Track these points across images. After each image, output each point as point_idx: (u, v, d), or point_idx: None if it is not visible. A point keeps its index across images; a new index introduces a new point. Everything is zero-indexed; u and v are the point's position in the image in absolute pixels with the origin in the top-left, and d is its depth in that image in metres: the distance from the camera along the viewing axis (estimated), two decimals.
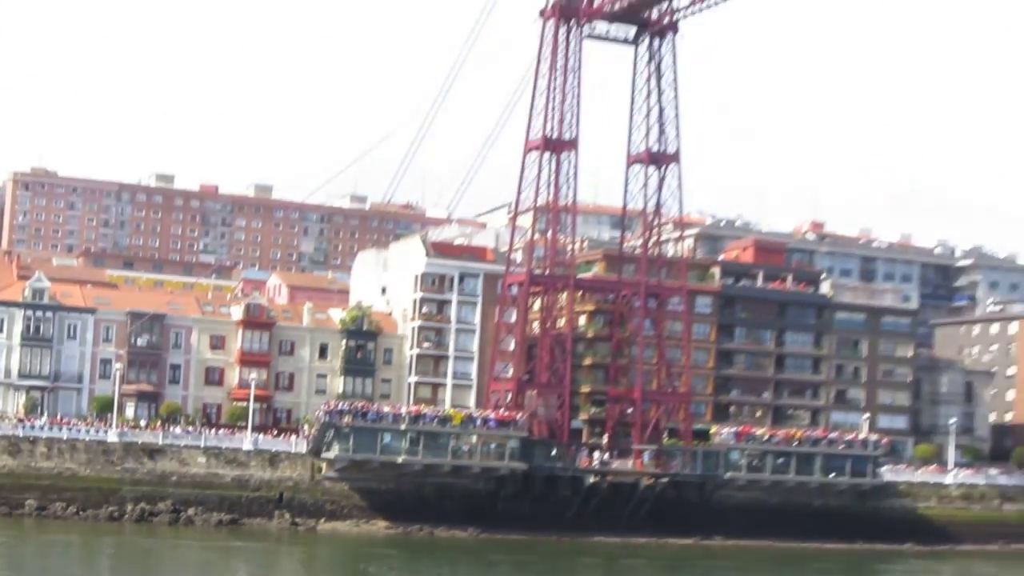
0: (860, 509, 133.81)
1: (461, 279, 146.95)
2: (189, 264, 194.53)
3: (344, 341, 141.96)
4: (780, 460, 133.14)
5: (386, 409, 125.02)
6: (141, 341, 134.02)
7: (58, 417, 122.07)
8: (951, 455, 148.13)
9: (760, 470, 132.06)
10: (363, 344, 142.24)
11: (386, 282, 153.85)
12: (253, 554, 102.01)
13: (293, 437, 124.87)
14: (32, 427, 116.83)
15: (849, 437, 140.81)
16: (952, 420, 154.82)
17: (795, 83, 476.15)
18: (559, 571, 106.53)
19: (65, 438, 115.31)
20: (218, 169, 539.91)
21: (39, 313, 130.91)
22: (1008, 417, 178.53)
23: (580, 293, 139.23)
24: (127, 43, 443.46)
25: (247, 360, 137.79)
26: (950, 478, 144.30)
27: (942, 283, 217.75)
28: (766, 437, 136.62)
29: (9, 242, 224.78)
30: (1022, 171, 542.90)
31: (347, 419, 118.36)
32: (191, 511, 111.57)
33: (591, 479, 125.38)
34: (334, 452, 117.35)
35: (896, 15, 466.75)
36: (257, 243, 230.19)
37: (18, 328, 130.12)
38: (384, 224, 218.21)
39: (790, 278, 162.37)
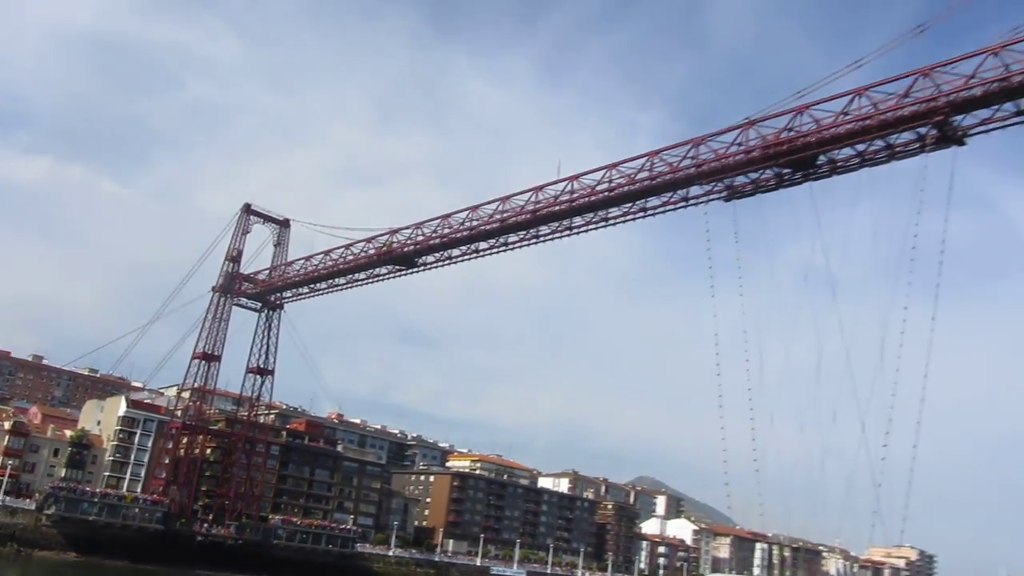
0: (345, 565, 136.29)
1: (144, 422, 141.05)
2: None
3: (70, 448, 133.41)
4: (305, 535, 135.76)
5: (87, 489, 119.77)
6: None
7: None
8: (393, 541, 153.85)
9: (294, 540, 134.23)
10: (81, 451, 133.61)
11: (102, 419, 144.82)
12: None
13: (28, 500, 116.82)
14: None
15: (342, 526, 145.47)
16: (396, 523, 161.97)
17: (337, 325, 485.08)
18: None
19: None
20: (8, 339, 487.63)
21: None
22: (425, 523, 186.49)
23: (209, 437, 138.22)
24: None
25: (8, 452, 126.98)
26: (391, 552, 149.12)
27: (399, 452, 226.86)
28: (299, 522, 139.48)
29: None
30: (444, 394, 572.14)
31: (63, 492, 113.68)
32: None
33: (200, 537, 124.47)
34: (52, 510, 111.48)
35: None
36: (28, 387, 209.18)
37: None
38: (106, 386, 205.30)
39: (322, 440, 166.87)
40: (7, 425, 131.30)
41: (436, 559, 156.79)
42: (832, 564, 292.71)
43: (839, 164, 66.14)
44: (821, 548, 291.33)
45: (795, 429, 60.30)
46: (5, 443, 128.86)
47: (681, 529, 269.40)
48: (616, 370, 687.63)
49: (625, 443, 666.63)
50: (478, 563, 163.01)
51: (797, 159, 66.47)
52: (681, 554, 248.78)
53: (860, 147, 64.27)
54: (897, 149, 62.78)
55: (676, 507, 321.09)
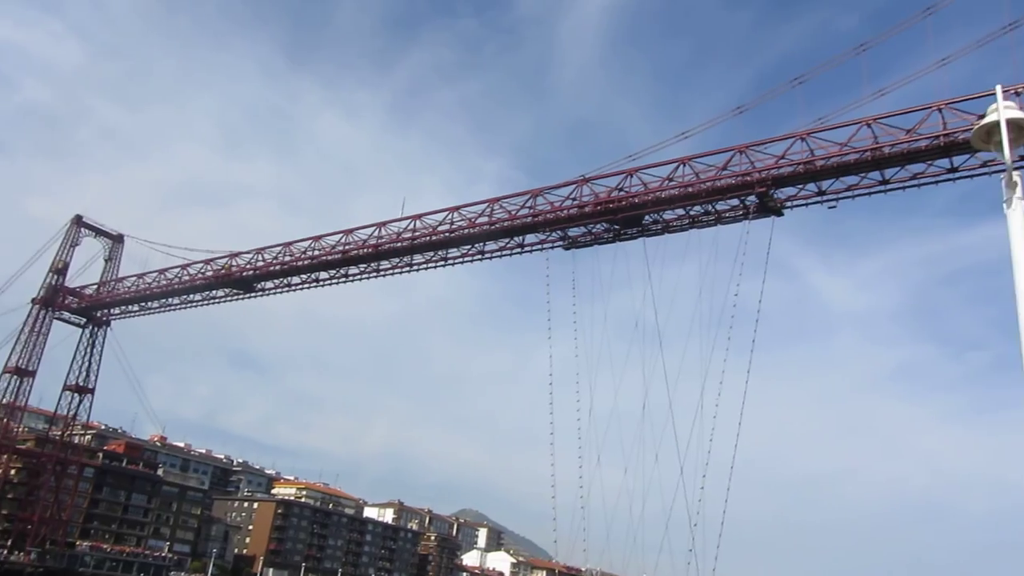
0: None
1: None
2: None
3: None
4: (115, 563, 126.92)
5: None
6: None
7: None
8: (210, 570, 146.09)
9: (102, 567, 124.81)
10: None
11: None
12: None
13: None
14: None
15: (156, 553, 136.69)
16: (215, 550, 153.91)
17: (168, 346, 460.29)
18: None
19: None
20: None
21: None
22: (246, 551, 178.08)
23: (15, 456, 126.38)
24: None
25: None
26: None
27: (223, 477, 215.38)
28: (109, 549, 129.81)
29: None
30: (274, 420, 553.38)
31: None
32: None
33: None
34: None
35: None
36: None
37: None
38: None
39: (142, 464, 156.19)
40: None
41: None
42: None
43: (671, 223, 68.98)
44: None
45: (619, 469, 61.62)
46: None
47: (500, 562, 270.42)
48: (448, 405, 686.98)
49: (452, 476, 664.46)
50: None
51: (626, 217, 68.86)
52: None
53: (690, 209, 67.33)
54: (723, 214, 66.26)
55: (497, 540, 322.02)
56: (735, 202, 65.21)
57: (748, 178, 62.98)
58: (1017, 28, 58.16)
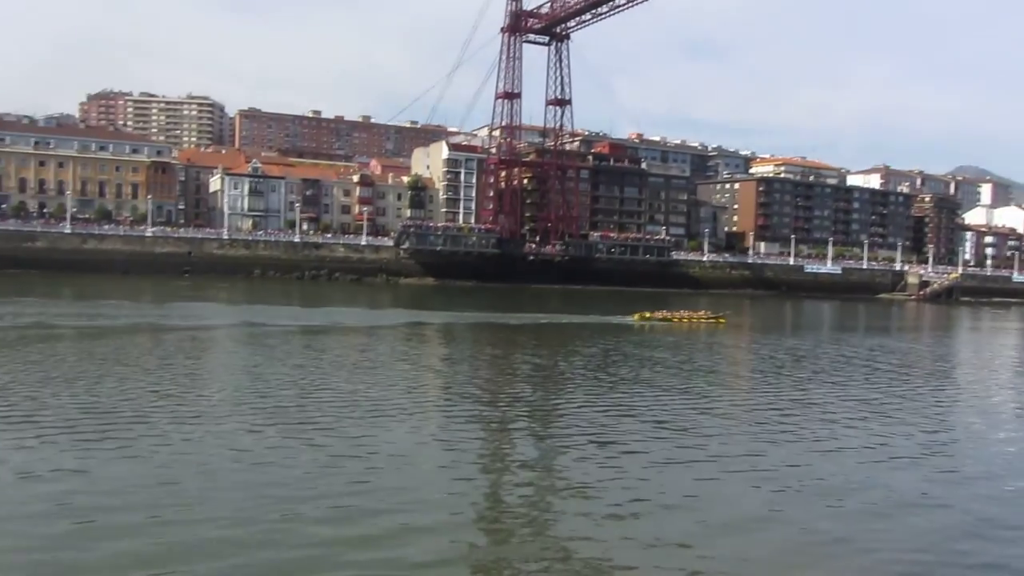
0: (662, 271, 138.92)
1: (466, 161, 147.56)
2: (332, 155, 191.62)
3: (409, 192, 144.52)
4: (623, 248, 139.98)
5: (431, 224, 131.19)
6: (308, 193, 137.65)
7: (268, 230, 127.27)
8: (706, 247, 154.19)
9: (613, 253, 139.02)
10: (418, 193, 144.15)
11: (429, 163, 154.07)
12: (368, 291, 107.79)
13: (385, 238, 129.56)
14: (257, 235, 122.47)
15: (657, 237, 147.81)
16: (707, 230, 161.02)
17: (622, 49, 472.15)
18: (509, 297, 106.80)
19: (272, 240, 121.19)
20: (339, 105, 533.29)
21: (256, 180, 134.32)
22: (734, 228, 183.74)
23: (524, 168, 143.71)
24: None
25: (362, 200, 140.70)
26: (705, 258, 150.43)
27: (701, 164, 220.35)
28: (616, 236, 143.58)
29: (239, 145, 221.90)
30: (739, 104, 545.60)
31: (412, 228, 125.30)
32: (336, 274, 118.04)
33: (531, 257, 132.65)
34: (407, 244, 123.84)
35: None
36: (365, 145, 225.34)
37: (247, 187, 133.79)
38: (426, 135, 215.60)
39: (627, 160, 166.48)
40: (356, 178, 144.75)
41: (749, 261, 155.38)
42: None
43: None
44: None
45: None
46: (357, 195, 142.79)
47: (1010, 217, 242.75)
48: (932, 56, 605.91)
49: (942, 133, 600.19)
50: (791, 263, 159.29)
51: None
52: (1012, 243, 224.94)
53: None
54: None
55: (1004, 195, 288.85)
56: None
57: None
58: None
